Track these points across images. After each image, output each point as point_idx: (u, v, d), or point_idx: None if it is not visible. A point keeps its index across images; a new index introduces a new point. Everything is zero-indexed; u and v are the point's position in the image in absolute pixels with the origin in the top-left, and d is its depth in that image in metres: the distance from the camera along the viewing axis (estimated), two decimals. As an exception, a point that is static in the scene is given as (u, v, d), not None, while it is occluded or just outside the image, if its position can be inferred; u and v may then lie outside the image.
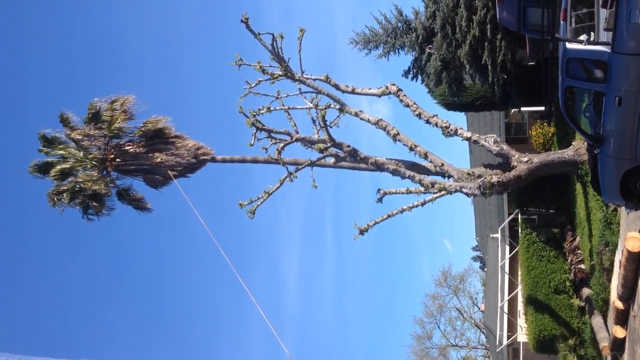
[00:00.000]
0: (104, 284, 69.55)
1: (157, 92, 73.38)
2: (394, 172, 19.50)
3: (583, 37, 10.92)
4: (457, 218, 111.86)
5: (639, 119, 10.95)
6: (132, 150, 22.81)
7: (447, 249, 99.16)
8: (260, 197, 20.77)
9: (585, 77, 11.32)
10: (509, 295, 30.77)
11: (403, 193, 19.22)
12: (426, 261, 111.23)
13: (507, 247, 31.52)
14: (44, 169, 22.94)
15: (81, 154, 22.71)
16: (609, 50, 10.35)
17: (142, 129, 22.72)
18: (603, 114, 11.33)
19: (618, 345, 18.93)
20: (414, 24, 26.15)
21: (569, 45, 11.02)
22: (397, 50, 26.82)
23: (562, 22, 11.47)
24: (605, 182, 12.65)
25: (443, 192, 18.50)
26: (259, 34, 18.92)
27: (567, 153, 18.82)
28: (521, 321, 29.27)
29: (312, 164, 20.33)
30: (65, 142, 23.03)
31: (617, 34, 10.07)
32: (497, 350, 32.47)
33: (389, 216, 19.27)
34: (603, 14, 10.59)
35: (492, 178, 18.32)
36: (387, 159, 19.92)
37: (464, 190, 18.60)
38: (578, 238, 24.75)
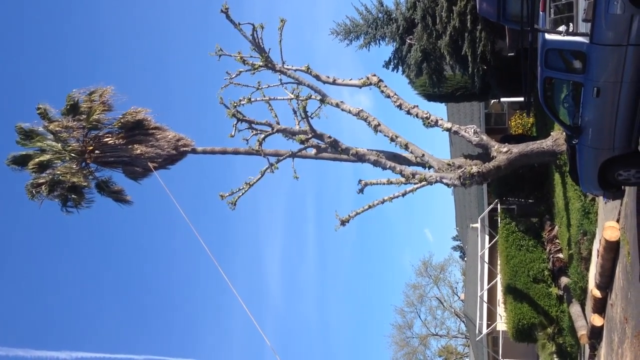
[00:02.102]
0: (83, 277, 69.07)
1: (137, 83, 72.78)
2: (375, 163, 19.56)
3: (562, 28, 10.97)
4: (438, 208, 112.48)
5: (617, 109, 11.05)
6: (111, 142, 22.63)
7: (427, 238, 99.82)
8: (241, 188, 20.77)
9: (564, 68, 11.38)
10: (488, 284, 31.01)
11: (384, 184, 19.27)
12: (407, 251, 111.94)
13: (487, 237, 31.76)
14: (21, 161, 22.70)
15: (59, 146, 22.49)
16: (588, 41, 10.41)
17: (122, 120, 22.57)
18: (581, 105, 11.40)
19: (596, 334, 19.19)
20: (394, 15, 26.17)
21: (548, 36, 11.06)
22: (377, 41, 26.86)
23: (541, 13, 11.52)
24: (584, 172, 12.76)
25: (424, 183, 18.58)
26: (239, 24, 18.86)
27: (546, 143, 18.97)
28: (501, 310, 29.55)
29: (293, 155, 20.33)
30: (43, 134, 22.81)
31: (596, 25, 10.12)
32: (477, 339, 32.75)
33: (370, 207, 19.34)
34: (582, 4, 10.64)
35: (472, 168, 18.44)
36: (368, 149, 19.97)
37: (444, 180, 18.71)
38: (556, 227, 25.00)
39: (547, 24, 11.35)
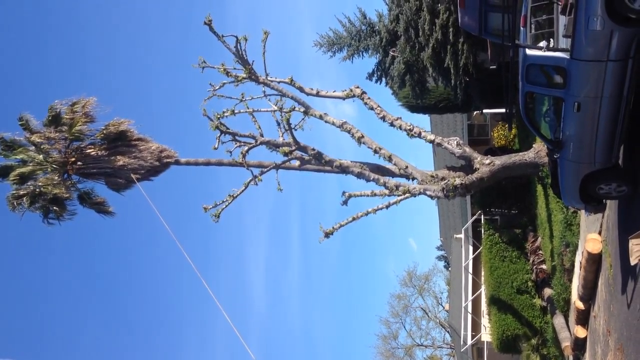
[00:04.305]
0: (67, 289, 68.49)
1: (120, 95, 72.47)
2: (359, 175, 19.53)
3: (542, 44, 11.05)
4: (422, 217, 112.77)
5: (598, 124, 11.13)
6: (93, 153, 22.44)
7: (412, 248, 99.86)
8: (224, 200, 20.63)
9: (545, 82, 11.45)
10: (472, 295, 31.08)
11: (368, 195, 19.27)
12: (391, 260, 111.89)
13: (471, 248, 31.85)
14: (2, 172, 22.50)
15: (41, 157, 22.29)
16: (568, 57, 10.50)
17: (104, 131, 22.39)
18: (562, 119, 11.48)
19: (579, 345, 19.27)
20: (377, 27, 26.29)
21: (528, 51, 11.14)
22: (361, 53, 26.96)
23: (522, 28, 11.61)
24: (565, 186, 12.83)
25: (407, 195, 18.57)
26: (223, 36, 18.81)
27: (528, 155, 19.04)
28: (485, 321, 29.61)
29: (277, 167, 20.24)
30: (25, 145, 22.59)
31: (576, 40, 10.21)
32: (462, 350, 32.79)
33: (354, 219, 19.31)
34: (562, 20, 10.74)
35: (455, 180, 18.45)
36: (351, 161, 19.94)
37: (428, 192, 18.70)
38: (539, 239, 25.12)
39: (528, 40, 11.44)
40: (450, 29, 22.98)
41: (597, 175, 12.11)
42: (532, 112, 12.38)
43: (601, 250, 16.17)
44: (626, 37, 9.96)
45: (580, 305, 18.37)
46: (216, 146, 19.92)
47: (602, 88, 10.61)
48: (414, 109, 29.70)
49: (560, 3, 10.74)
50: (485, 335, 29.56)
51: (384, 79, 27.41)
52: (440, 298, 63.64)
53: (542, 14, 11.41)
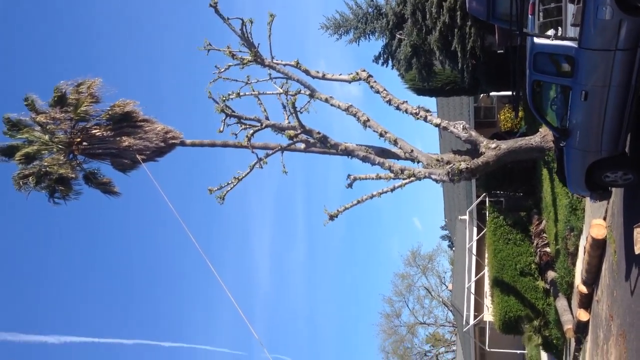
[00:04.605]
0: (73, 264, 68.98)
1: (126, 76, 72.28)
2: (364, 159, 19.54)
3: (551, 32, 10.99)
4: (427, 197, 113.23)
5: (605, 113, 11.12)
6: (99, 133, 22.45)
7: (416, 227, 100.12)
8: (229, 182, 20.66)
9: (553, 71, 11.40)
10: (476, 276, 31.22)
11: (373, 179, 19.30)
12: (396, 240, 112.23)
13: (475, 229, 31.92)
14: (8, 152, 22.52)
15: (47, 137, 22.32)
16: (576, 46, 10.45)
17: (110, 112, 22.35)
18: (569, 108, 11.46)
19: (582, 328, 19.41)
20: (384, 10, 26.12)
21: (536, 40, 11.09)
22: (367, 36, 26.84)
23: (530, 16, 11.54)
24: (571, 173, 12.83)
25: (412, 178, 18.61)
26: (228, 18, 18.72)
27: (534, 139, 19.00)
28: (488, 302, 29.78)
29: (282, 150, 20.26)
30: (30, 125, 22.59)
31: (584, 29, 10.16)
32: (464, 329, 33.02)
33: (358, 202, 19.35)
34: (571, 9, 10.67)
35: (460, 164, 18.45)
36: (357, 145, 19.93)
37: (433, 176, 18.73)
38: (544, 222, 25.17)
39: (536, 28, 11.37)
40: (458, 12, 22.83)
41: (603, 163, 12.11)
42: (539, 100, 12.35)
43: (606, 236, 16.21)
44: (635, 27, 9.91)
45: (584, 289, 18.46)
46: (221, 129, 19.93)
47: (610, 77, 10.57)
48: (420, 91, 29.59)
49: (569, -9, 10.67)
50: (488, 316, 29.75)
51: (390, 62, 27.30)
52: (444, 277, 64.03)
53: (551, 2, 11.32)
